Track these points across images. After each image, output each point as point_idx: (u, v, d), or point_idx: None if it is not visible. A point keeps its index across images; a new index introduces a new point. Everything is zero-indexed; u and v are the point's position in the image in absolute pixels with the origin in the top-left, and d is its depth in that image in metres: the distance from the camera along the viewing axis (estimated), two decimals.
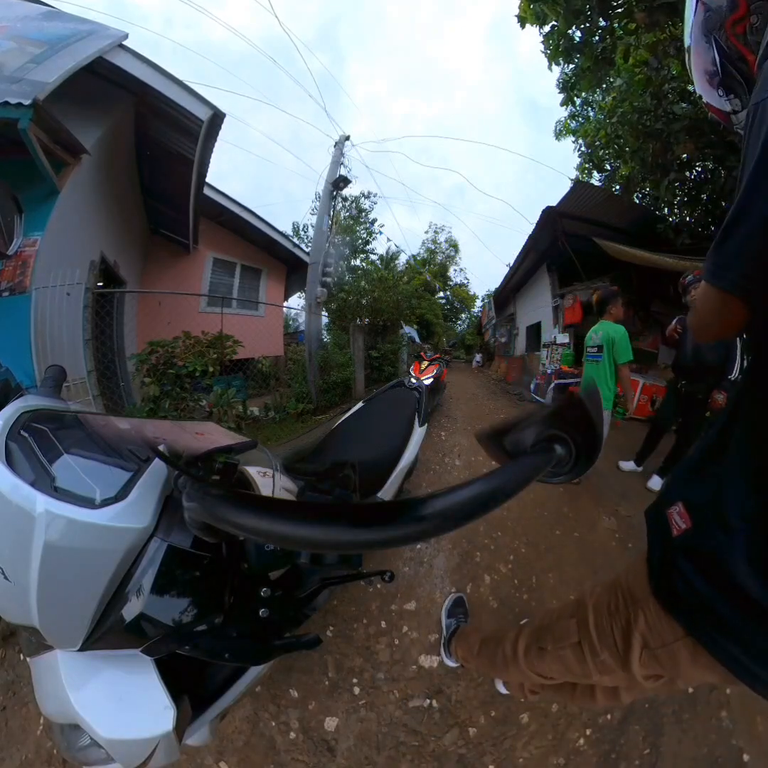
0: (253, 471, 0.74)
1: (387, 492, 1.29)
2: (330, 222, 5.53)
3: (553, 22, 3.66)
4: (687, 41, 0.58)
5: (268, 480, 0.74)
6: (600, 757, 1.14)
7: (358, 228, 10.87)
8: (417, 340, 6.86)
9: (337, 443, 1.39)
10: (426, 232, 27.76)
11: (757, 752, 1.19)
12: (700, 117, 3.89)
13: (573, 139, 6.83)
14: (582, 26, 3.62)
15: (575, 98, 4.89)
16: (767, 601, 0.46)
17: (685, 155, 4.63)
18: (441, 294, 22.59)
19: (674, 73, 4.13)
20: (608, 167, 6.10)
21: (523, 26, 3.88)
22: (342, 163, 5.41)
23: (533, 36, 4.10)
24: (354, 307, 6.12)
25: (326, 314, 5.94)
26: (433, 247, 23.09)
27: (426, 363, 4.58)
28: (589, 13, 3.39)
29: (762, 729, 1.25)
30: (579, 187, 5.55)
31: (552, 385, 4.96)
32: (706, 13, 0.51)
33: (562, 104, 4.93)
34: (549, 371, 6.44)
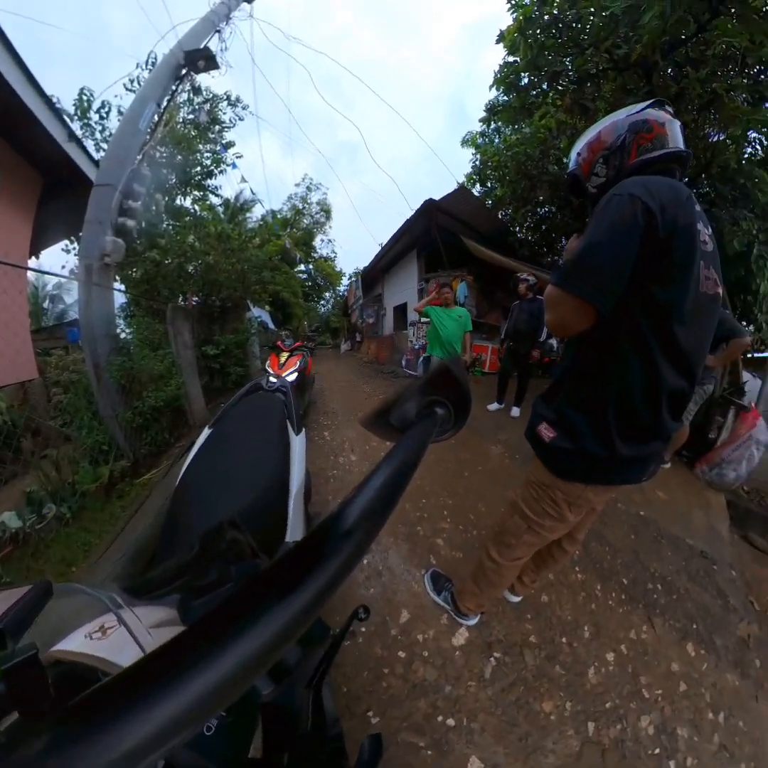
0: (75, 642, 0.45)
1: (294, 530, 1.04)
2: (157, 117, 3.25)
3: (517, 58, 4.01)
4: (594, 133, 0.99)
5: (116, 636, 0.45)
6: (597, 574, 1.91)
7: (202, 145, 6.38)
8: (271, 326, 5.66)
9: (193, 504, 1.00)
10: (297, 185, 21.91)
11: (659, 516, 2.52)
12: (560, 178, 5.48)
13: (473, 151, 7.76)
14: (532, 78, 4.18)
15: (492, 122, 5.45)
16: (614, 457, 0.89)
17: (541, 197, 5.53)
18: (302, 267, 18.70)
19: (561, 146, 5.15)
20: (489, 185, 7.01)
21: (497, 42, 4.14)
22: (219, 31, 3.07)
23: (499, 53, 4.50)
24: (174, 277, 4.21)
25: (122, 286, 3.80)
26: (301, 207, 18.64)
27: (286, 355, 3.91)
28: (542, 73, 3.85)
29: (661, 494, 2.46)
30: (462, 191, 6.26)
31: (421, 359, 5.44)
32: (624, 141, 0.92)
33: (480, 120, 5.36)
34: (417, 347, 7.13)
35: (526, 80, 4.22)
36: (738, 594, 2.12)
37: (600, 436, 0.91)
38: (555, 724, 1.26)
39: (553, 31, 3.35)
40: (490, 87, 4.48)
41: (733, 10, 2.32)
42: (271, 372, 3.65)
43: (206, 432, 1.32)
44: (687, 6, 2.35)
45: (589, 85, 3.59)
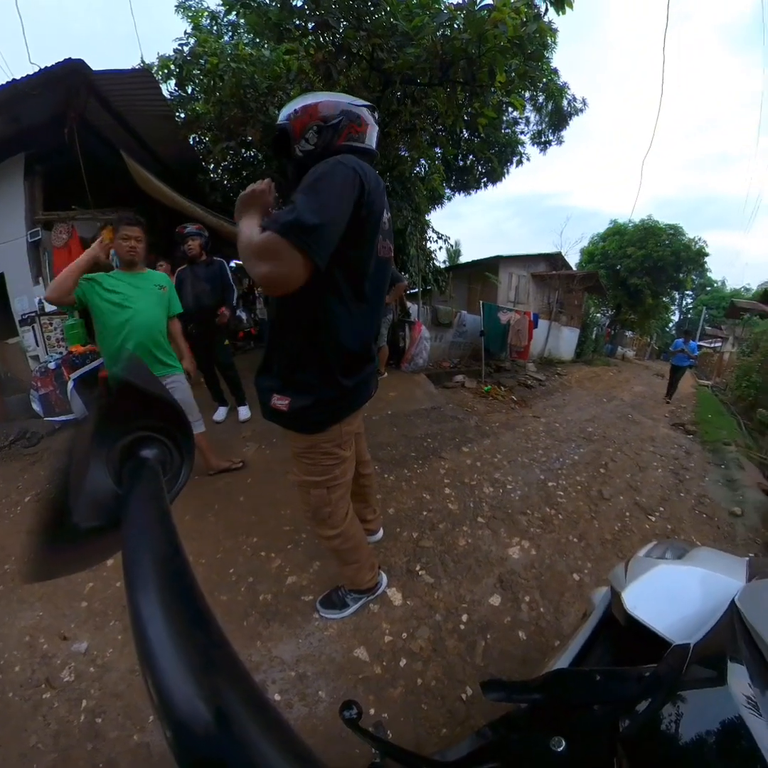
0: None
1: None
2: None
3: None
4: (315, 101, 1.06)
5: None
6: (398, 465, 2.89)
7: None
8: None
9: None
10: None
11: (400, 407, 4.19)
12: (274, 126, 5.16)
13: (189, 30, 4.52)
14: (307, 8, 3.75)
15: (236, 13, 4.17)
16: (345, 392, 1.11)
17: (250, 138, 5.36)
18: None
19: (291, 93, 4.77)
20: (190, 91, 5.00)
21: None
22: None
23: None
24: None
25: None
26: None
27: None
28: (318, 14, 3.61)
29: (392, 394, 4.07)
30: (144, 78, 4.17)
31: (72, 384, 3.59)
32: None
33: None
34: (52, 365, 4.05)
35: (300, 3, 3.81)
36: (461, 411, 4.41)
37: (328, 381, 1.08)
38: (472, 543, 2.11)
39: None
40: None
41: (448, 89, 3.84)
42: None
43: None
44: (427, 68, 3.59)
45: (345, 58, 3.94)
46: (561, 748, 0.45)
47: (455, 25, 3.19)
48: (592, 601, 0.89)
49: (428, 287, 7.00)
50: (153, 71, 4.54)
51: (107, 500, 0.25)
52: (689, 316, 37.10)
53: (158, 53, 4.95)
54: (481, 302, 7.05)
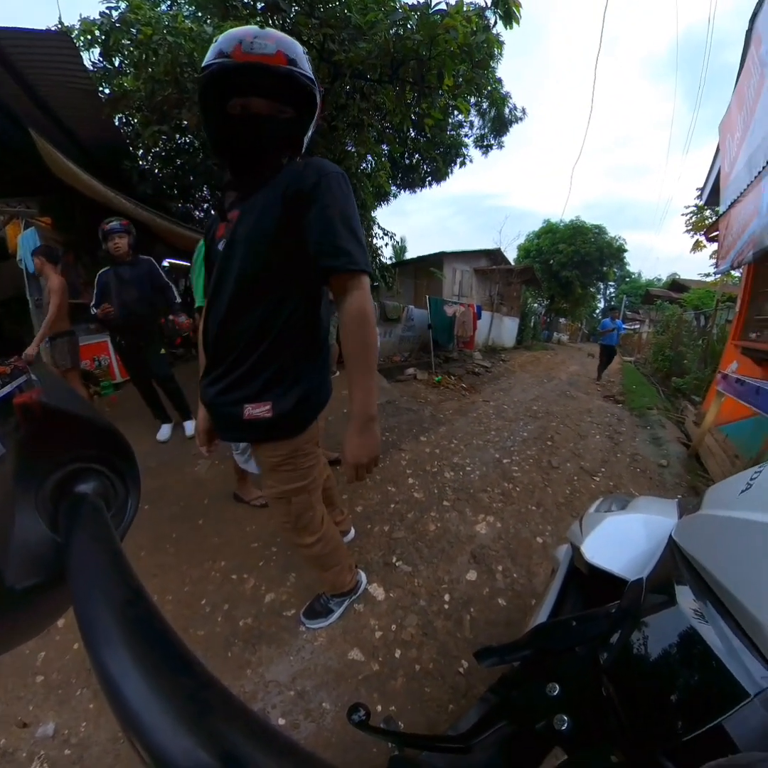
0: None
1: None
2: None
3: None
4: (309, 66, 0.92)
5: None
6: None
7: None
8: None
9: None
10: None
11: None
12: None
13: None
14: None
15: None
16: (327, 380, 1.14)
17: (186, 122, 5.09)
18: None
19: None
20: (117, 64, 4.42)
21: None
22: None
23: None
24: None
25: None
26: None
27: None
28: None
29: (345, 393, 4.13)
30: (62, 41, 3.59)
31: None
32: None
33: None
34: None
35: None
36: (415, 403, 4.65)
37: (321, 370, 1.09)
38: (441, 527, 2.21)
39: None
40: None
41: (397, 88, 3.95)
42: None
43: None
44: (378, 64, 3.68)
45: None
46: (556, 692, 0.51)
47: (408, 25, 3.28)
48: (556, 558, 0.96)
49: (375, 284, 7.14)
50: (73, 35, 3.88)
51: (44, 551, 0.22)
52: (613, 303, 42.46)
53: (81, 15, 4.21)
54: (427, 297, 7.38)
